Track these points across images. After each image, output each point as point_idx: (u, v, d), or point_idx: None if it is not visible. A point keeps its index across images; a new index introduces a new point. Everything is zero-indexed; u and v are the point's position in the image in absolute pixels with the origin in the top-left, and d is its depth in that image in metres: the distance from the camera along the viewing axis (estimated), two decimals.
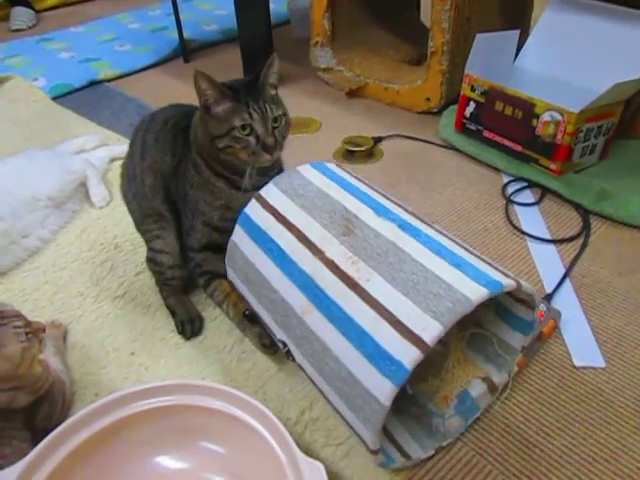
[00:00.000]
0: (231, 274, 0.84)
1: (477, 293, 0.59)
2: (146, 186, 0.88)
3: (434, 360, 0.76)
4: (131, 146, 0.93)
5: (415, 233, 0.69)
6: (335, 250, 0.69)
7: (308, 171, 0.81)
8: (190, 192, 0.86)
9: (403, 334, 0.59)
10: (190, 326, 0.90)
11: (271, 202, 0.78)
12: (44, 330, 0.74)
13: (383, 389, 0.58)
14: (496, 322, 0.76)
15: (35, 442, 0.64)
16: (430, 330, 0.57)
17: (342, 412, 0.66)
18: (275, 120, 0.80)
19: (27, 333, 0.69)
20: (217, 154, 0.81)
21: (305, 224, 0.74)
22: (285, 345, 0.74)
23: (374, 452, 0.63)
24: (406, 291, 0.62)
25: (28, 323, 0.71)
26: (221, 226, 0.86)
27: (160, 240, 0.91)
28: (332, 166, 0.83)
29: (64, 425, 0.64)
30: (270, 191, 0.79)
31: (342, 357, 0.63)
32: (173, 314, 0.93)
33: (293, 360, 0.73)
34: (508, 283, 0.62)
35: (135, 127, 0.94)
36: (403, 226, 0.70)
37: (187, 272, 0.94)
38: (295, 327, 0.69)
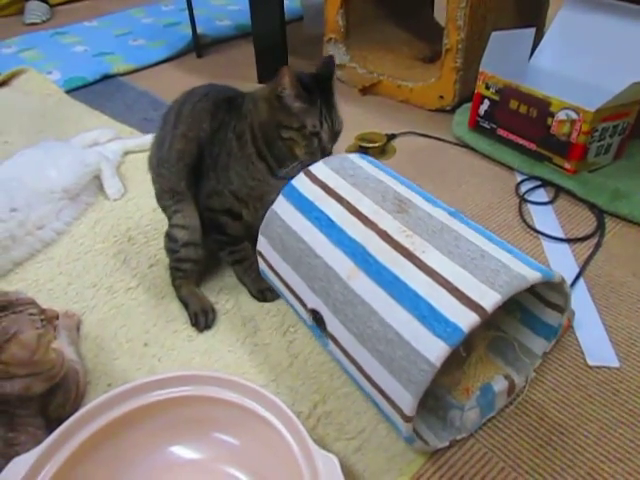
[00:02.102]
0: (263, 243, 0.84)
1: (532, 274, 0.62)
2: (173, 150, 0.89)
3: (457, 356, 0.76)
4: (164, 118, 0.94)
5: (465, 222, 0.72)
6: (388, 223, 0.71)
7: (357, 159, 0.86)
8: (225, 159, 0.87)
9: (460, 300, 0.60)
10: (204, 318, 0.91)
11: (321, 177, 0.81)
12: (58, 317, 0.74)
13: (435, 349, 0.58)
14: (518, 328, 0.78)
15: (49, 430, 0.64)
16: (489, 298, 0.59)
17: (377, 379, 0.66)
18: (336, 133, 0.87)
19: (42, 320, 0.70)
20: (274, 138, 0.84)
21: (357, 199, 0.76)
22: (316, 314, 0.75)
23: (408, 419, 0.62)
24: (463, 264, 0.63)
25: (42, 310, 0.71)
26: (245, 199, 0.90)
27: (179, 214, 0.92)
28: (375, 160, 0.88)
29: (79, 413, 0.64)
30: (320, 168, 0.83)
31: (390, 320, 0.63)
32: (186, 306, 0.93)
33: (324, 328, 0.74)
34: (557, 274, 0.64)
35: (171, 103, 0.96)
36: (454, 214, 0.73)
37: (202, 257, 0.94)
38: (337, 292, 0.70)
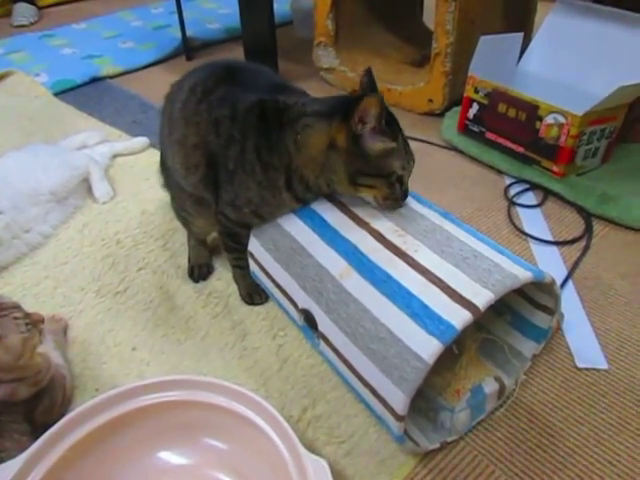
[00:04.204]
0: (254, 244, 0.84)
1: (524, 274, 0.63)
2: (177, 163, 0.83)
3: (448, 357, 0.76)
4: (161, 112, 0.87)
5: (457, 223, 0.73)
6: (381, 223, 0.71)
7: None
8: (244, 179, 0.76)
9: (453, 297, 0.60)
10: (198, 270, 0.98)
11: None
12: (43, 321, 0.73)
13: (428, 347, 0.58)
14: (508, 331, 0.78)
15: (35, 436, 0.63)
16: (481, 296, 0.59)
17: (368, 378, 0.66)
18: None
19: (27, 324, 0.69)
20: (324, 180, 0.73)
21: (350, 201, 0.76)
22: (307, 315, 0.75)
23: (400, 418, 0.62)
24: (456, 263, 0.64)
25: (27, 314, 0.71)
26: (267, 216, 0.81)
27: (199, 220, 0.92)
28: None
29: (66, 419, 0.63)
30: None
31: (383, 318, 0.63)
32: (189, 258, 1.01)
33: (314, 328, 0.74)
34: (547, 275, 0.65)
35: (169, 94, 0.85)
36: (445, 216, 0.74)
37: (205, 222, 0.93)
38: (329, 291, 0.70)
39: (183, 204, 0.91)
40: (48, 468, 0.60)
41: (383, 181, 0.71)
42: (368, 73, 0.75)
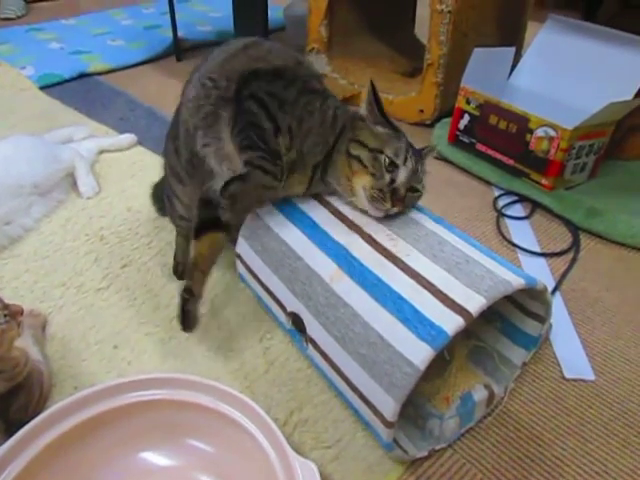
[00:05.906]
0: (242, 245, 0.82)
1: (516, 280, 0.62)
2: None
3: (438, 364, 0.75)
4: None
5: (449, 228, 0.72)
6: (373, 227, 0.70)
7: None
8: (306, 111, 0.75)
9: (445, 303, 0.59)
10: (183, 269, 0.95)
11: None
12: (22, 313, 0.70)
13: (420, 353, 0.57)
14: (498, 338, 0.78)
15: (9, 434, 0.60)
16: (474, 301, 0.58)
17: (357, 383, 0.64)
18: (413, 189, 0.72)
19: (5, 315, 0.66)
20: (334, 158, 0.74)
21: (341, 203, 0.75)
22: (295, 319, 0.74)
23: (389, 425, 0.61)
24: (448, 268, 0.63)
25: (6, 305, 0.68)
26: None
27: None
28: None
29: (42, 416, 0.61)
30: None
31: (373, 322, 0.62)
32: (174, 255, 0.98)
33: (302, 332, 0.73)
34: (540, 282, 0.65)
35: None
36: (438, 221, 0.73)
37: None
38: (319, 294, 0.68)
39: (175, 171, 0.85)
40: (22, 467, 0.58)
41: (368, 155, 0.70)
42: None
